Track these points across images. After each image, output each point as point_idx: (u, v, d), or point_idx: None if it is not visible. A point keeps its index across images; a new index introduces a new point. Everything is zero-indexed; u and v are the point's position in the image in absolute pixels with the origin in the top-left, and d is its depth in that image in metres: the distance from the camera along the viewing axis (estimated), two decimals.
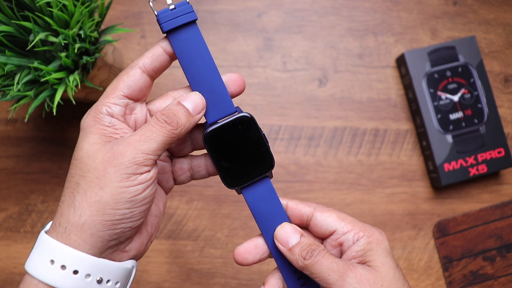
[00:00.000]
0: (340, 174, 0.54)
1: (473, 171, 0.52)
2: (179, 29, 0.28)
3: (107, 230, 0.26)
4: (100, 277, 0.27)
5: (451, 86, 0.53)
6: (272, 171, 0.31)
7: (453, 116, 0.52)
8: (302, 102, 0.55)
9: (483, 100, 0.53)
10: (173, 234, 0.53)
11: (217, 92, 0.29)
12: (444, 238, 0.52)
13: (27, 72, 0.40)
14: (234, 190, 0.32)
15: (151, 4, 0.29)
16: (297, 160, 0.54)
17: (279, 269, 0.32)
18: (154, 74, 0.29)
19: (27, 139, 0.54)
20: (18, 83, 0.39)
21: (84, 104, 0.54)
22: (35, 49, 0.39)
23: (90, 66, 0.42)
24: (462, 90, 0.53)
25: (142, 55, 0.29)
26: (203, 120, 0.31)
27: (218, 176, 0.31)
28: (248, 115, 0.30)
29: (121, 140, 0.27)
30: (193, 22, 0.28)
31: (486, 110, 0.53)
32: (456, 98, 0.53)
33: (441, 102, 0.52)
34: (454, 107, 0.53)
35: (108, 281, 0.27)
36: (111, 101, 0.28)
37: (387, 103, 0.55)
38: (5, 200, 0.53)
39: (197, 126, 0.32)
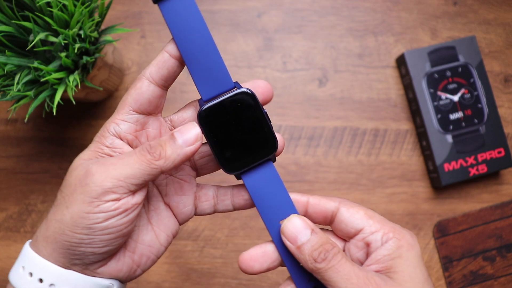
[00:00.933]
0: (340, 174, 0.54)
1: (473, 171, 0.52)
2: None
3: (66, 249, 0.25)
4: None
5: (451, 86, 0.53)
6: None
7: (453, 116, 0.52)
8: (302, 102, 0.55)
9: (483, 100, 0.53)
10: None
11: (213, 64, 0.26)
12: (444, 238, 0.52)
13: (27, 72, 0.40)
14: (233, 175, 0.29)
15: None
16: (297, 160, 0.54)
17: (290, 274, 0.28)
18: (164, 83, 0.27)
19: (27, 139, 0.54)
20: (18, 83, 0.39)
21: (84, 104, 0.54)
22: (35, 49, 0.39)
23: (90, 66, 0.42)
24: (462, 90, 0.53)
25: (148, 65, 0.27)
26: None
27: (227, 186, 0.30)
28: (248, 90, 0.27)
29: (100, 160, 0.26)
30: None
31: (486, 110, 0.53)
32: (456, 98, 0.53)
33: (441, 102, 0.52)
34: (454, 107, 0.53)
35: None
36: (120, 118, 0.27)
37: (387, 103, 0.55)
38: (5, 200, 0.53)
39: None
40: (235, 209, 0.30)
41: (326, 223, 0.28)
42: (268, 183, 0.28)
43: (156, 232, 0.29)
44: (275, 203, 0.28)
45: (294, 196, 0.29)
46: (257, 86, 0.28)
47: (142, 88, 0.27)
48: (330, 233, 0.30)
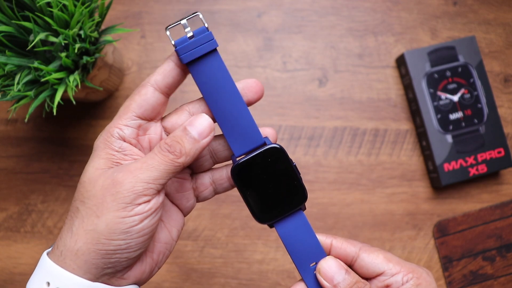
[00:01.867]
0: (340, 174, 0.54)
1: (473, 171, 0.52)
2: (200, 59, 0.27)
3: (101, 259, 0.25)
4: None
5: (451, 86, 0.53)
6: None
7: (453, 116, 0.52)
8: (302, 102, 0.55)
9: (483, 100, 0.53)
10: None
11: (244, 123, 0.28)
12: (444, 238, 0.52)
13: (27, 72, 0.40)
14: (266, 225, 0.30)
15: (168, 33, 0.28)
16: (297, 160, 0.54)
17: None
18: (168, 91, 0.28)
19: (27, 139, 0.54)
20: (18, 83, 0.39)
21: (84, 104, 0.54)
22: (35, 49, 0.39)
23: (90, 66, 0.42)
24: (462, 90, 0.53)
25: (153, 72, 0.28)
26: (219, 131, 0.29)
27: (221, 167, 0.31)
28: (277, 146, 0.28)
29: (122, 167, 0.26)
30: (214, 50, 0.27)
31: (486, 110, 0.53)
32: (456, 98, 0.53)
33: (441, 102, 0.52)
34: (454, 107, 0.53)
35: None
36: (123, 123, 0.27)
37: (387, 103, 0.55)
38: (5, 200, 0.53)
39: (216, 138, 0.31)
40: (233, 186, 0.31)
41: (347, 264, 0.30)
42: (298, 230, 0.30)
43: (168, 228, 0.30)
44: (306, 248, 0.30)
45: (320, 237, 0.30)
46: (250, 87, 0.29)
47: (147, 95, 0.27)
48: None
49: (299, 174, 0.29)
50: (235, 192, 0.53)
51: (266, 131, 0.30)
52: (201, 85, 0.28)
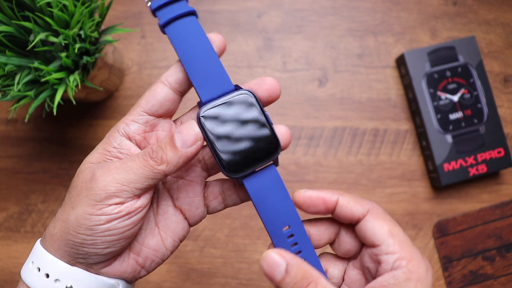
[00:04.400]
0: (340, 174, 0.54)
1: (472, 171, 0.52)
2: (174, 20, 0.27)
3: (70, 248, 0.26)
4: (71, 285, 0.26)
5: (451, 86, 0.53)
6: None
7: (452, 116, 0.52)
8: (302, 102, 0.55)
9: (483, 100, 0.53)
10: None
11: (212, 67, 0.26)
12: (443, 238, 0.52)
13: (27, 72, 0.40)
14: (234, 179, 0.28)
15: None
16: (297, 160, 0.54)
17: None
18: (179, 87, 0.27)
19: (28, 139, 0.54)
20: (18, 83, 0.39)
21: (84, 104, 0.54)
22: (36, 49, 0.39)
23: (90, 66, 0.42)
24: (462, 90, 0.53)
25: (168, 69, 0.28)
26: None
27: (227, 182, 0.29)
28: (248, 92, 0.26)
29: (105, 164, 0.26)
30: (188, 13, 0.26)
31: (485, 110, 0.53)
32: (455, 98, 0.53)
33: (441, 102, 0.53)
34: (453, 107, 0.53)
35: None
36: (130, 118, 0.27)
37: (387, 103, 0.55)
38: (5, 200, 0.53)
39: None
40: (242, 201, 0.30)
41: (352, 223, 0.28)
42: (270, 188, 0.27)
43: (162, 236, 0.29)
44: (278, 209, 0.27)
45: (324, 194, 0.27)
46: (262, 83, 0.27)
47: (155, 90, 0.27)
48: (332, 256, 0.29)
49: (272, 124, 0.26)
50: None
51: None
52: (174, 38, 0.27)
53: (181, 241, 0.30)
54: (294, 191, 0.28)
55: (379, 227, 0.26)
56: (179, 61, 0.28)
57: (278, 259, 0.25)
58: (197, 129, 0.26)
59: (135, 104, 0.27)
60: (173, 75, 0.27)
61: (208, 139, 0.26)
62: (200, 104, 0.27)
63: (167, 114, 0.28)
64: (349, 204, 0.27)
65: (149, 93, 0.27)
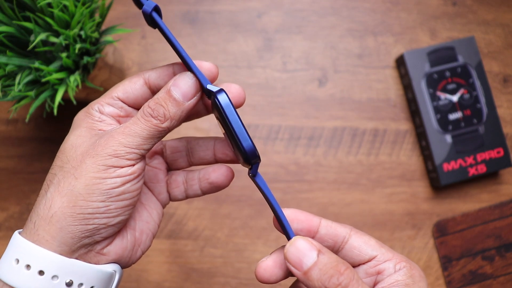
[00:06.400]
0: (339, 174, 0.54)
1: (472, 171, 0.52)
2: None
3: (78, 225, 0.23)
4: (70, 280, 0.24)
5: (450, 86, 0.53)
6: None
7: (452, 116, 0.53)
8: (302, 102, 0.55)
9: (482, 100, 0.53)
10: (174, 234, 0.53)
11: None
12: (443, 237, 0.53)
13: (28, 73, 0.40)
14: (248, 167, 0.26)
15: None
16: (297, 160, 0.54)
17: None
18: (157, 91, 0.27)
19: (28, 139, 0.54)
20: (19, 84, 0.39)
21: (85, 104, 0.54)
22: (36, 50, 0.39)
23: (91, 66, 0.42)
24: (461, 90, 0.53)
25: (153, 68, 0.27)
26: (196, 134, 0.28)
27: (195, 170, 0.30)
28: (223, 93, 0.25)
29: (105, 133, 0.25)
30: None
31: (485, 110, 0.53)
32: (455, 98, 0.53)
33: (440, 102, 0.53)
34: (453, 107, 0.53)
35: (80, 284, 0.24)
36: (105, 101, 0.27)
37: (387, 103, 0.55)
38: (6, 199, 0.53)
39: (195, 138, 0.30)
40: (203, 193, 0.31)
41: (335, 249, 0.27)
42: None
43: (148, 209, 0.30)
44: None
45: (306, 216, 0.27)
46: (228, 91, 0.27)
47: (136, 84, 0.27)
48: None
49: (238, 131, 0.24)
50: (235, 192, 0.53)
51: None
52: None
53: (162, 216, 0.31)
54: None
55: (368, 241, 0.26)
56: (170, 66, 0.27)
57: (309, 245, 0.23)
58: (193, 79, 0.25)
59: (112, 88, 0.27)
60: (156, 79, 0.27)
61: (234, 120, 0.24)
62: (210, 89, 0.25)
63: (139, 107, 0.28)
64: (333, 224, 0.27)
65: (129, 82, 0.27)
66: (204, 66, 0.27)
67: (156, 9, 0.25)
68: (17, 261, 0.23)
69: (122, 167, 0.24)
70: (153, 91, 0.27)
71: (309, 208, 0.53)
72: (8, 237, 0.53)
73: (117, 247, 0.26)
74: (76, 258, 0.24)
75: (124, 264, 0.28)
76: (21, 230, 0.25)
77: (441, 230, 0.53)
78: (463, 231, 0.53)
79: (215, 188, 0.31)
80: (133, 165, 0.25)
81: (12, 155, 0.54)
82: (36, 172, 0.54)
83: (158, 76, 0.27)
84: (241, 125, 0.24)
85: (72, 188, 0.24)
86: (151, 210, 0.30)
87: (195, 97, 0.26)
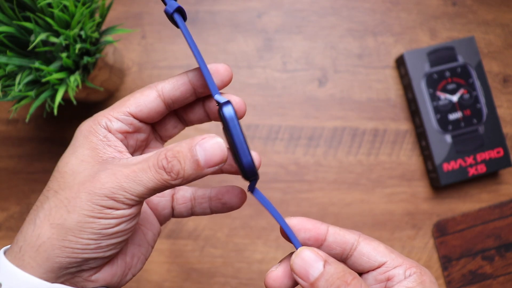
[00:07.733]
0: (339, 174, 0.54)
1: (472, 171, 0.52)
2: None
3: (65, 257, 0.23)
4: None
5: (450, 87, 0.53)
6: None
7: (452, 116, 0.53)
8: (302, 102, 0.55)
9: (482, 100, 0.53)
10: (174, 234, 0.53)
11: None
12: (443, 237, 0.53)
13: (28, 73, 0.40)
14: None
15: None
16: (297, 160, 0.54)
17: None
18: (171, 103, 0.26)
19: (28, 139, 0.54)
20: (19, 84, 0.39)
21: (85, 104, 0.54)
22: (36, 50, 0.39)
23: (91, 66, 0.42)
24: (461, 91, 0.53)
25: (166, 79, 0.26)
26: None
27: (205, 188, 0.29)
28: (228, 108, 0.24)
29: (109, 165, 0.23)
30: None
31: (485, 110, 0.53)
32: (455, 98, 0.53)
33: (440, 102, 0.53)
34: (453, 107, 0.53)
35: None
36: (114, 115, 0.25)
37: (387, 103, 0.55)
38: (6, 199, 0.53)
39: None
40: (212, 212, 0.30)
41: (343, 257, 0.26)
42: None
43: (143, 230, 0.28)
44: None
45: (313, 224, 0.26)
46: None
47: (149, 97, 0.26)
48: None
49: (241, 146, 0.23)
50: None
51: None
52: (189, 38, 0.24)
53: (157, 236, 0.29)
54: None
55: (377, 247, 0.26)
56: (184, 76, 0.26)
57: (315, 256, 0.23)
58: (223, 147, 0.23)
59: (122, 101, 0.26)
60: (171, 91, 0.26)
61: (237, 134, 0.23)
62: (221, 99, 0.25)
63: (151, 122, 0.27)
64: (341, 231, 0.26)
65: (141, 96, 0.26)
66: (220, 69, 0.26)
67: (180, 10, 0.24)
68: (0, 285, 0.23)
69: (118, 209, 0.23)
70: (168, 103, 0.26)
71: (309, 208, 0.53)
72: (8, 237, 0.53)
73: (106, 274, 0.25)
74: (62, 283, 0.24)
75: (112, 287, 0.27)
76: (8, 247, 0.25)
77: (441, 230, 0.53)
78: (463, 231, 0.53)
79: (227, 209, 0.30)
80: (131, 207, 0.23)
81: (12, 155, 0.54)
82: (36, 172, 0.54)
83: (173, 87, 0.26)
84: (243, 141, 0.23)
85: (63, 221, 0.23)
86: (146, 231, 0.28)
87: (218, 166, 0.23)
